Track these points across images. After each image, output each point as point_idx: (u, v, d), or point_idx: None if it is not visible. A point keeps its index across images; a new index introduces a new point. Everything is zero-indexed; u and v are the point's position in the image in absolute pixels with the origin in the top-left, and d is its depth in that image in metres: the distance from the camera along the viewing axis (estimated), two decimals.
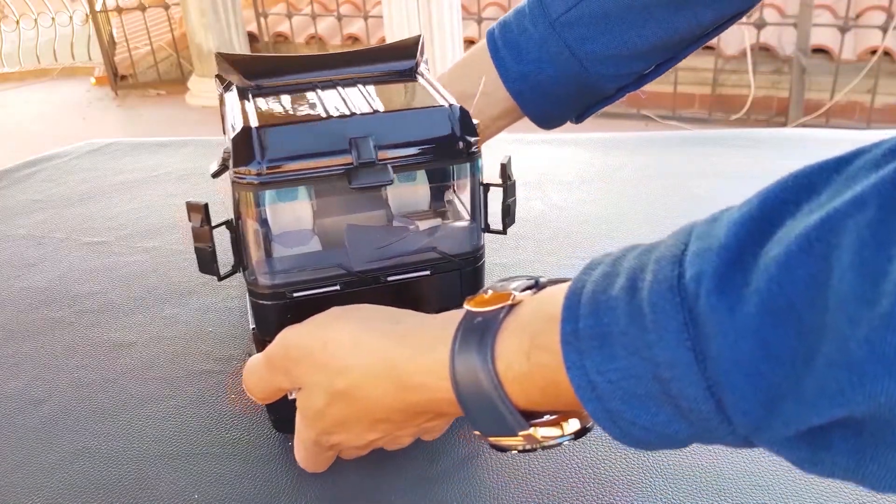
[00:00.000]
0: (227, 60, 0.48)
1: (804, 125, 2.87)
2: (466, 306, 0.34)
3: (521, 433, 0.32)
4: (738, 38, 2.96)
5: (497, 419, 0.32)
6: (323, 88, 0.47)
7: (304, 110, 0.44)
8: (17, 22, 4.35)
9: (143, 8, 3.71)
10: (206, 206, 0.42)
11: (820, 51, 2.92)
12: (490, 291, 0.34)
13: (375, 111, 0.43)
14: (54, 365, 0.64)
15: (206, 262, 0.44)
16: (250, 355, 0.46)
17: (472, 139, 0.43)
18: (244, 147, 0.40)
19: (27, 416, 0.58)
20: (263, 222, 0.43)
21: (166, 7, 3.77)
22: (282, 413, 0.49)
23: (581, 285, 0.29)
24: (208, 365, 0.61)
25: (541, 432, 0.32)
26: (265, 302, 0.44)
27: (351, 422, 0.39)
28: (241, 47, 3.72)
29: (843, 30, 2.76)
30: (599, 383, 0.27)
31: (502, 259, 0.72)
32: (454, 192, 0.49)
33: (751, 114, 3.04)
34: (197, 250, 0.44)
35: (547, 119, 0.61)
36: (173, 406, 0.56)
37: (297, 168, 0.41)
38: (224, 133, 0.51)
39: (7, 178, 1.04)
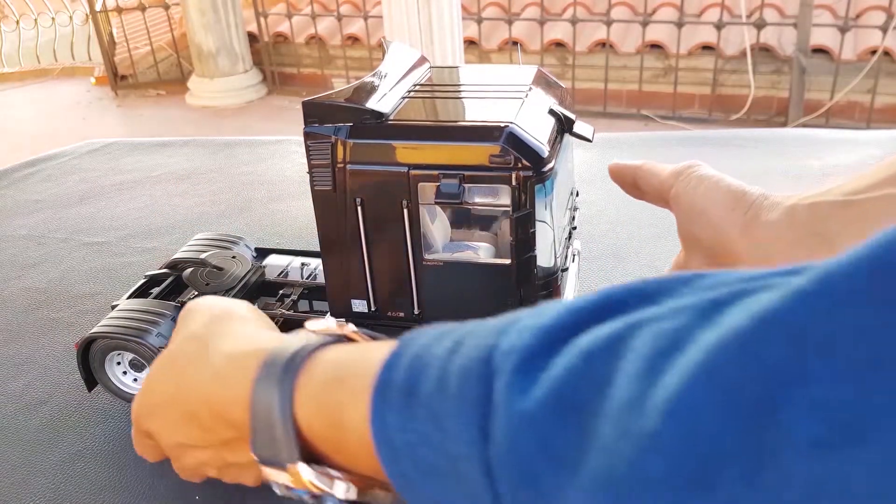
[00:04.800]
0: None
1: (804, 125, 2.87)
2: (306, 324, 0.33)
3: (289, 466, 0.30)
4: (738, 38, 2.96)
5: (274, 444, 0.30)
6: None
7: None
8: (17, 22, 4.34)
9: (143, 8, 3.71)
10: None
11: (820, 51, 2.92)
12: (335, 321, 0.33)
13: None
14: (54, 365, 0.64)
15: None
16: None
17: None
18: None
19: (27, 417, 0.58)
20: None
21: (166, 7, 3.77)
22: None
23: (415, 337, 0.27)
24: None
25: (307, 475, 0.30)
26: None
27: (166, 405, 0.37)
28: (241, 47, 3.72)
29: (843, 30, 2.76)
30: (397, 442, 0.25)
31: None
32: None
33: (751, 114, 3.04)
34: None
35: None
36: None
37: None
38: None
39: (7, 178, 1.04)
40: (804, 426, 0.16)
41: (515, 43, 3.21)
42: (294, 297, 0.59)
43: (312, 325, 0.33)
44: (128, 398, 0.56)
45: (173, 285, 0.62)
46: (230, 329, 0.36)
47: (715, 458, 0.17)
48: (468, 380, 0.24)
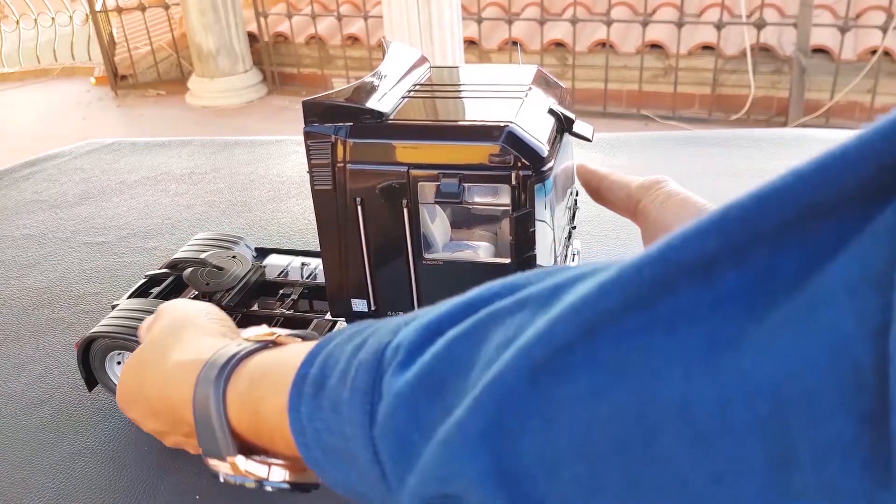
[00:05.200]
0: None
1: (804, 125, 2.87)
2: (242, 332, 0.37)
3: (228, 458, 0.33)
4: (738, 38, 2.96)
5: (213, 439, 0.34)
6: None
7: None
8: (17, 22, 4.34)
9: (143, 8, 3.71)
10: None
11: (820, 51, 2.92)
12: (268, 329, 0.37)
13: None
14: (54, 365, 0.64)
15: None
16: None
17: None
18: None
19: (27, 417, 0.58)
20: None
21: (166, 7, 3.77)
22: None
23: (334, 336, 0.30)
24: None
25: (244, 465, 0.33)
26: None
27: (135, 401, 0.40)
28: (241, 47, 3.72)
29: (843, 30, 2.76)
30: (308, 430, 0.28)
31: None
32: None
33: (751, 114, 3.04)
34: None
35: None
36: None
37: None
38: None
39: (7, 178, 1.04)
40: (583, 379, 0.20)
41: (515, 43, 3.21)
42: (294, 296, 0.59)
43: (247, 332, 0.37)
44: None
45: (174, 285, 0.62)
46: (183, 337, 0.39)
47: (510, 408, 0.21)
48: (363, 372, 0.27)
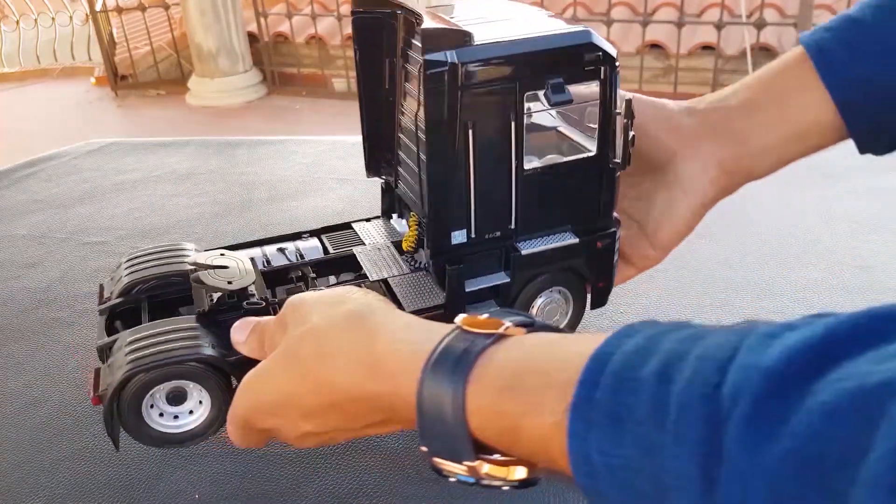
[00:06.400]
0: None
1: None
2: (459, 323, 0.33)
3: (465, 463, 0.31)
4: (738, 38, 2.96)
5: (447, 442, 0.31)
6: None
7: None
8: (18, 22, 4.35)
9: (143, 8, 3.71)
10: None
11: None
12: (486, 315, 0.33)
13: None
14: (54, 365, 0.64)
15: None
16: None
17: None
18: None
19: (27, 416, 0.58)
20: None
21: (166, 7, 3.77)
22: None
23: (610, 351, 0.27)
24: None
25: (485, 468, 0.31)
26: None
27: (289, 402, 0.37)
28: (241, 47, 3.72)
29: None
30: (597, 462, 0.26)
31: None
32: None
33: None
34: None
35: (877, 139, 0.49)
36: None
37: None
38: None
39: (7, 178, 1.04)
40: None
41: None
42: (312, 275, 0.56)
43: (459, 319, 0.33)
44: (177, 440, 0.46)
45: (159, 305, 0.53)
46: (370, 323, 0.36)
47: None
48: (689, 419, 0.24)
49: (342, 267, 0.58)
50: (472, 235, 0.50)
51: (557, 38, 0.47)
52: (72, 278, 0.77)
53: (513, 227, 0.50)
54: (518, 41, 0.46)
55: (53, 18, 4.31)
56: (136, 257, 0.55)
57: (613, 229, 0.52)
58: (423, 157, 0.48)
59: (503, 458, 0.31)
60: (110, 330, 0.51)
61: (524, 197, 0.49)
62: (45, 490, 0.51)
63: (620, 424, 0.25)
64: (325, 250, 0.58)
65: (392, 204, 0.61)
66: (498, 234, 0.50)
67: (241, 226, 0.86)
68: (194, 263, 0.52)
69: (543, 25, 0.49)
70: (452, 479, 0.32)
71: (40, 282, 0.77)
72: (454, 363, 0.31)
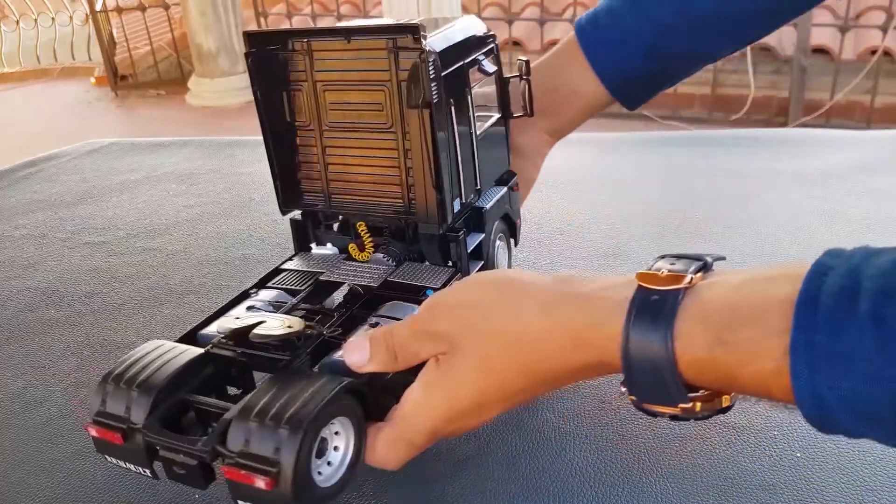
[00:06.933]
0: None
1: (804, 125, 2.87)
2: (639, 282, 0.35)
3: (680, 405, 0.34)
4: None
5: (661, 391, 0.34)
6: None
7: None
8: (18, 22, 4.35)
9: (143, 8, 3.71)
10: None
11: (820, 51, 2.92)
12: (664, 271, 0.35)
13: None
14: (54, 365, 0.64)
15: None
16: None
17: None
18: None
19: (27, 416, 0.58)
20: None
21: (166, 7, 3.77)
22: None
23: (814, 294, 0.29)
24: None
25: (700, 406, 0.34)
26: None
27: (502, 390, 0.39)
28: (241, 48, 3.72)
29: (843, 30, 2.76)
30: (828, 398, 0.29)
31: None
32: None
33: (751, 114, 3.04)
34: None
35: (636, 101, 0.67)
36: None
37: None
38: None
39: (7, 178, 1.04)
40: None
41: (516, 43, 3.21)
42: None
43: (643, 277, 0.35)
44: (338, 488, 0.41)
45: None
46: (550, 303, 0.38)
47: None
48: None
49: (328, 292, 0.55)
50: (463, 202, 0.55)
51: (473, 29, 0.55)
52: (72, 278, 0.77)
53: (478, 187, 0.56)
54: (457, 33, 0.53)
55: (53, 18, 4.31)
56: (129, 376, 0.43)
57: (516, 173, 0.62)
58: (425, 141, 0.51)
59: (710, 393, 0.34)
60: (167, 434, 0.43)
61: (480, 160, 0.56)
62: (45, 490, 0.51)
63: (847, 363, 0.28)
64: (294, 293, 0.54)
65: (307, 235, 0.61)
66: (472, 196, 0.56)
67: (241, 226, 0.86)
68: (230, 335, 0.46)
69: (462, 24, 0.57)
70: (664, 418, 0.36)
71: (40, 282, 0.77)
72: (653, 326, 0.33)
